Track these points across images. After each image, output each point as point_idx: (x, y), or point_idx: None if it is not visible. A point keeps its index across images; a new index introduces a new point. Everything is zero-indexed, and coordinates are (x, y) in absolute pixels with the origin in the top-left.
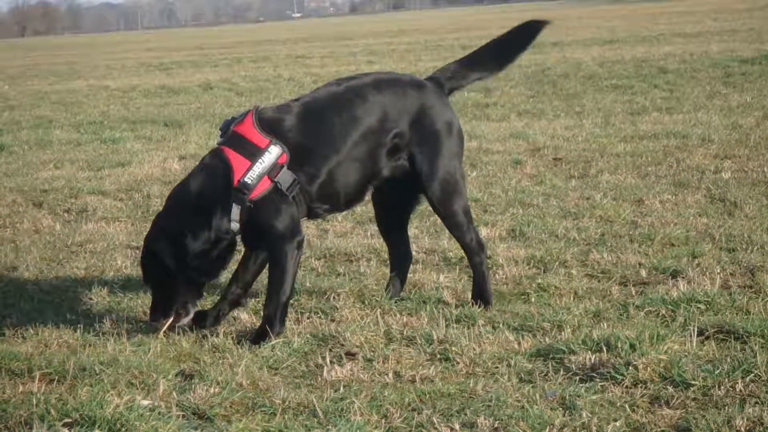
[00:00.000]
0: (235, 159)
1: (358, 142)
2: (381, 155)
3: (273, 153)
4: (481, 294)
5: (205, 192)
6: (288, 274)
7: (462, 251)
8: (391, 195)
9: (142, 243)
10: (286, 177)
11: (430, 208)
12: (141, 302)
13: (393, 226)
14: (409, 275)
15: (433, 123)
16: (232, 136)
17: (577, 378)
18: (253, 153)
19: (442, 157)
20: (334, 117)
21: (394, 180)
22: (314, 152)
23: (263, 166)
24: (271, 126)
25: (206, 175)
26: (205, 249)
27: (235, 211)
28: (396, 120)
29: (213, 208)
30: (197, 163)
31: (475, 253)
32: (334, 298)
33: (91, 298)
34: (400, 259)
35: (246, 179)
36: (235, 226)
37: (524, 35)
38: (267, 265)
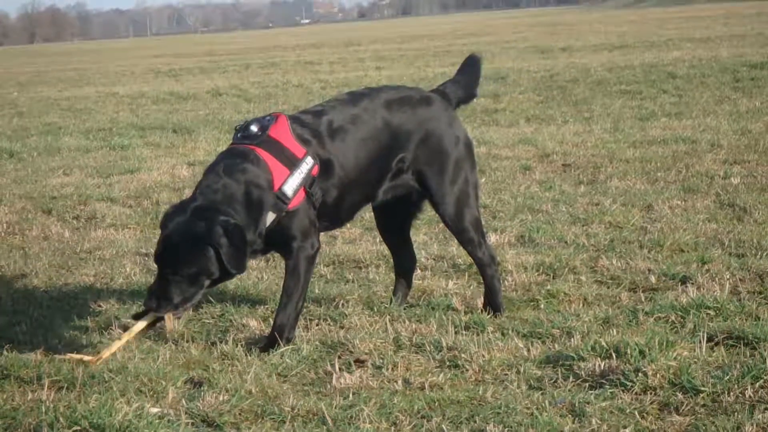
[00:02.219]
0: (274, 165)
1: (370, 167)
2: (384, 179)
3: (309, 164)
4: (491, 304)
5: (253, 193)
6: (304, 283)
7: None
8: (392, 205)
9: (183, 231)
10: (317, 190)
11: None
12: None
13: (395, 233)
14: (418, 282)
15: (440, 141)
16: (268, 140)
17: (587, 385)
18: (292, 162)
19: (451, 174)
20: (354, 138)
21: (393, 198)
22: (335, 171)
23: (302, 176)
24: (304, 137)
25: (251, 176)
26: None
27: (270, 217)
28: (404, 143)
29: (260, 211)
30: (226, 156)
31: (487, 266)
32: (343, 305)
33: (100, 306)
34: (404, 264)
35: (285, 188)
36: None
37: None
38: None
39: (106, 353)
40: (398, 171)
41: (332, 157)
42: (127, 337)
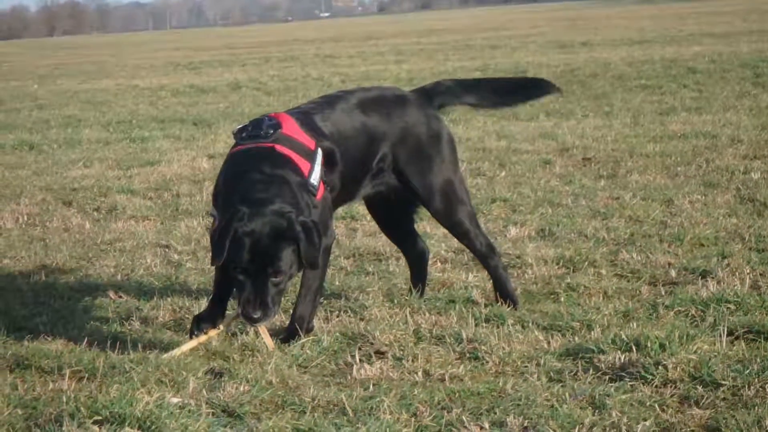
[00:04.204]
0: (298, 159)
1: (355, 166)
2: (365, 179)
3: (320, 155)
4: (505, 295)
5: (300, 188)
6: (323, 274)
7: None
8: (380, 203)
9: (275, 234)
10: (330, 179)
11: None
12: (171, 300)
13: (394, 228)
14: (438, 275)
15: (418, 139)
16: (283, 137)
17: (607, 377)
18: (309, 155)
19: (434, 170)
20: (342, 137)
21: (376, 196)
22: (338, 163)
23: (320, 167)
24: (310, 130)
25: (292, 172)
26: None
27: None
28: (381, 143)
29: (309, 206)
30: (253, 155)
31: (488, 257)
32: (363, 296)
33: (120, 296)
34: (414, 257)
35: (312, 180)
36: None
37: (532, 90)
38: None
39: (183, 349)
40: (379, 171)
41: (335, 150)
42: (203, 339)
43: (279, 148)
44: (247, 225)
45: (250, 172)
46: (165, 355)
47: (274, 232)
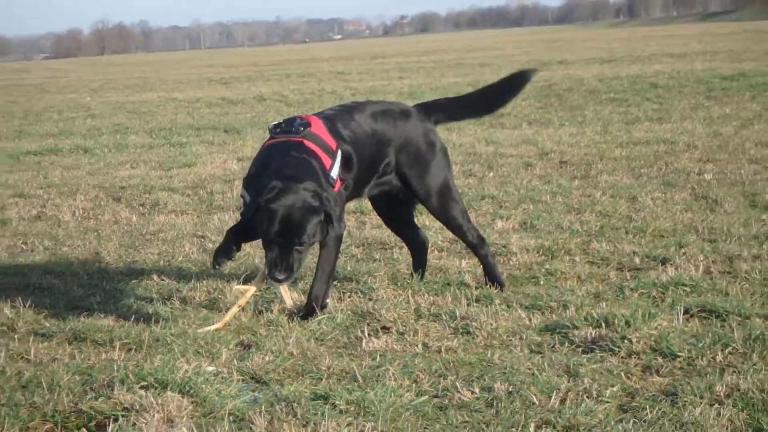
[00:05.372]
0: (322, 154)
1: (365, 168)
2: (373, 180)
3: (340, 156)
4: (493, 279)
5: (323, 175)
6: (335, 259)
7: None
8: (382, 201)
9: (302, 206)
10: (345, 178)
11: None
12: (206, 283)
13: (395, 222)
14: (435, 261)
15: (418, 147)
16: (311, 134)
17: (580, 350)
18: (330, 153)
19: (432, 173)
20: (357, 142)
21: (379, 194)
22: (354, 165)
23: (338, 165)
24: (333, 133)
25: (317, 162)
26: None
27: None
28: (387, 149)
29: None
30: (285, 144)
31: (478, 247)
32: (371, 280)
33: (162, 279)
34: (414, 246)
35: (332, 173)
36: None
37: (514, 83)
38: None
39: (226, 319)
40: (383, 173)
41: (352, 153)
42: (243, 302)
43: (307, 143)
44: (279, 199)
45: (282, 156)
46: (209, 327)
47: (304, 206)
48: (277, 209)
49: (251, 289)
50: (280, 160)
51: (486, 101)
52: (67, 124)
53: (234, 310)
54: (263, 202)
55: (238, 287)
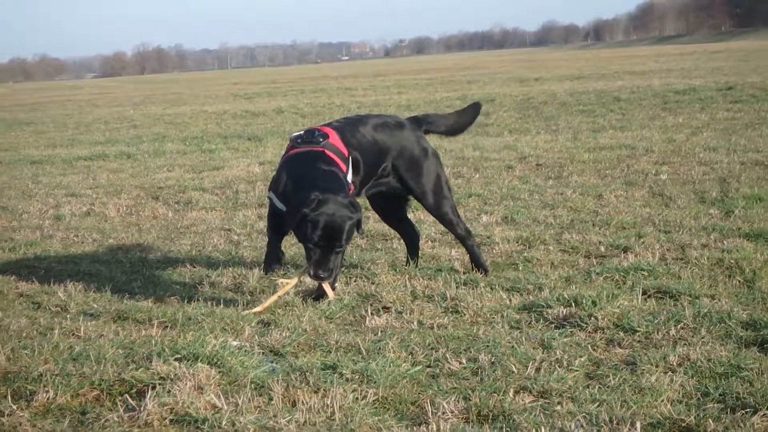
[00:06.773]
0: (339, 162)
1: (367, 171)
2: (371, 182)
3: (350, 161)
4: (478, 265)
5: (346, 183)
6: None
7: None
8: (383, 200)
9: (342, 214)
10: (354, 180)
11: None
12: (232, 270)
13: (391, 217)
14: (428, 250)
15: (412, 153)
16: (329, 145)
17: (553, 326)
18: (345, 161)
19: (426, 175)
20: (364, 149)
21: (376, 194)
22: (360, 170)
23: (351, 170)
24: (346, 141)
25: (339, 170)
26: None
27: None
28: (386, 156)
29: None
30: (311, 156)
31: (466, 239)
32: (373, 267)
33: (194, 267)
34: (408, 238)
35: (348, 179)
36: None
37: (474, 110)
38: None
39: (266, 304)
40: (381, 176)
41: (359, 159)
42: (281, 292)
43: (328, 152)
44: (320, 209)
45: (312, 167)
46: (253, 309)
47: (342, 215)
48: (320, 218)
49: (291, 283)
50: (314, 172)
51: (456, 123)
52: (112, 133)
53: (274, 297)
54: (308, 212)
55: (281, 279)
